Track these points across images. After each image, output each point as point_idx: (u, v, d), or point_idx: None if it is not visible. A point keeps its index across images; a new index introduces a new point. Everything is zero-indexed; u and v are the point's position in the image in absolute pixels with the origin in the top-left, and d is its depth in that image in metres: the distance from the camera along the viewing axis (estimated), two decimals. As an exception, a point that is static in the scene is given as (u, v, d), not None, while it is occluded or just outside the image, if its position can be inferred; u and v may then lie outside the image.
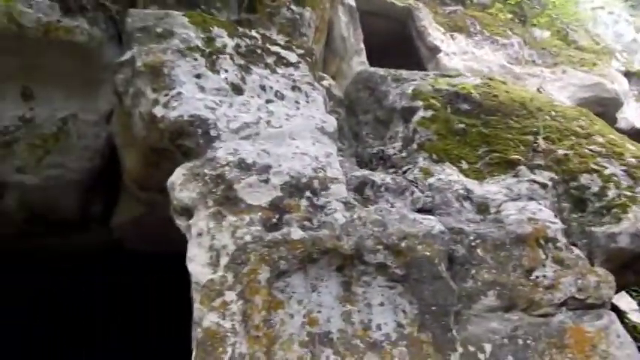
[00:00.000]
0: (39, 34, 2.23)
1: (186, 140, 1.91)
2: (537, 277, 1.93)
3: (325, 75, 3.36)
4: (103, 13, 2.45)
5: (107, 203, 3.23)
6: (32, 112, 2.44)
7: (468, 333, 1.73)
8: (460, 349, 1.68)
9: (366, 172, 2.17)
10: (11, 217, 2.95)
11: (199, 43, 2.23)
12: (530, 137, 2.66)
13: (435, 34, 4.74)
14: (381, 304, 1.74)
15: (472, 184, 2.25)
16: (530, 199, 2.22)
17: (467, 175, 2.34)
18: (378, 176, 2.09)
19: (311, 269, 1.69)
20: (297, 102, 2.24)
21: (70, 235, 3.45)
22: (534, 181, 2.33)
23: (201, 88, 2.05)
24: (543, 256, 1.98)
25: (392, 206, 1.94)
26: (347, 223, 1.74)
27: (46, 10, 2.23)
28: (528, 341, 1.79)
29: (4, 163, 2.53)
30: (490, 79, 3.37)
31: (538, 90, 4.45)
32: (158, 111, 1.97)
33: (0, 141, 2.44)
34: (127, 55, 2.21)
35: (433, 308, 1.71)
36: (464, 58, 4.97)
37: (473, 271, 1.84)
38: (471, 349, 1.70)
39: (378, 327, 1.71)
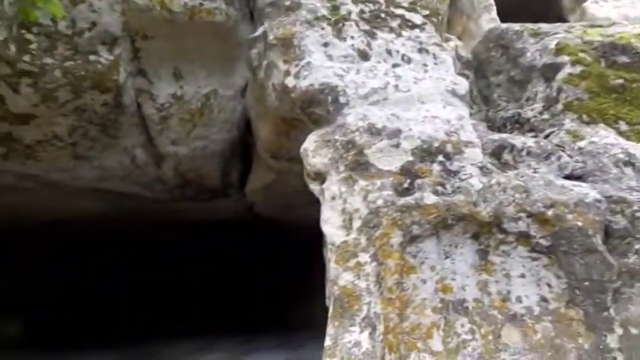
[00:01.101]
0: (185, 17, 2.48)
1: (317, 108, 1.97)
2: None
3: (451, 36, 3.15)
4: (237, -7, 2.62)
5: (242, 172, 3.54)
6: (182, 89, 2.74)
7: (629, 313, 1.53)
8: (619, 331, 1.50)
9: (503, 135, 2.01)
10: (168, 184, 3.42)
11: (325, 12, 2.25)
12: None
13: (581, -21, 4.11)
14: (522, 276, 1.62)
15: (634, 148, 1.94)
16: None
17: (627, 138, 2.02)
18: (518, 140, 1.91)
19: (444, 235, 1.64)
20: (424, 65, 2.15)
21: (213, 200, 3.87)
22: None
23: (329, 57, 2.08)
24: None
25: (535, 172, 1.77)
26: (484, 188, 1.64)
27: (190, -5, 2.46)
28: None
29: (161, 136, 2.91)
30: (657, 24, 2.82)
31: None
32: (290, 81, 2.06)
33: (158, 117, 2.80)
34: (259, 31, 2.34)
35: (585, 284, 1.54)
36: (616, 4, 4.25)
37: (637, 246, 1.60)
38: (634, 331, 1.51)
39: (518, 299, 1.60)
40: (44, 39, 2.18)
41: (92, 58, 2.32)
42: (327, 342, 1.56)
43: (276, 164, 2.99)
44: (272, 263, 7.15)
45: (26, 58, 2.16)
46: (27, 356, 4.23)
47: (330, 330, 1.58)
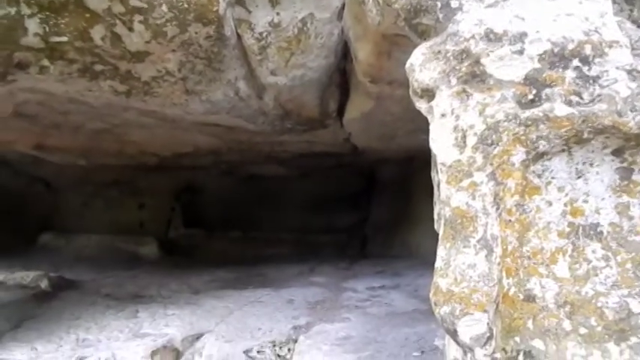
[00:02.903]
0: None
1: (424, 17, 1.78)
2: None
3: None
4: None
5: (340, 101, 3.48)
6: (279, 16, 2.69)
7: None
8: None
9: (659, 31, 1.64)
10: (269, 116, 3.51)
11: None
12: None
13: None
14: (675, 199, 1.38)
15: None
16: None
17: None
18: (680, 35, 1.55)
19: (577, 152, 1.43)
20: (554, -46, 1.79)
21: (312, 131, 3.91)
22: None
23: (437, -43, 1.84)
24: None
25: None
26: (633, 95, 1.38)
27: None
28: None
29: (261, 67, 2.93)
30: None
31: None
32: (392, -9, 1.87)
33: (257, 47, 2.81)
34: (357, -61, 2.14)
35: None
36: None
37: None
38: None
39: (668, 225, 1.38)
40: (149, -27, 2.25)
41: (193, -11, 2.35)
42: (439, 263, 1.51)
43: (375, 89, 2.87)
44: (367, 196, 7.22)
45: (135, -6, 2.25)
46: (160, 273, 4.91)
47: (441, 252, 1.53)
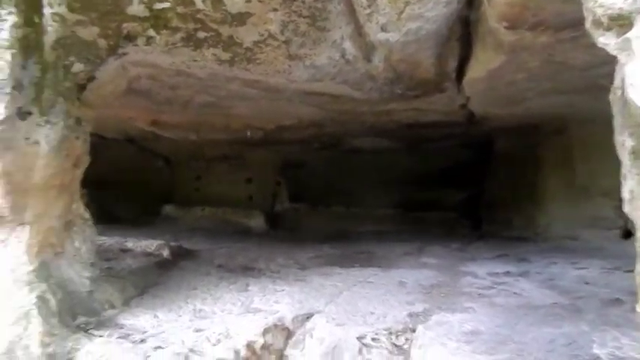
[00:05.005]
0: None
1: None
2: None
3: None
4: None
5: (461, 58, 3.00)
6: (391, -43, 2.31)
7: None
8: None
9: None
10: (377, 80, 3.17)
11: None
12: None
13: None
14: None
15: None
16: None
17: None
18: None
19: None
20: None
21: (424, 97, 3.49)
22: None
23: None
24: None
25: None
26: None
27: None
28: None
29: (370, 21, 2.58)
30: None
31: None
32: None
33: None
34: None
35: None
36: None
37: None
38: None
39: None
40: None
41: None
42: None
43: (511, 37, 2.35)
44: (480, 169, 6.52)
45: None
46: (267, 246, 4.96)
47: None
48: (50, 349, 2.08)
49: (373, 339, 2.25)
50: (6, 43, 2.09)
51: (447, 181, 6.85)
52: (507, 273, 3.50)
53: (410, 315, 2.52)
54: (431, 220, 6.59)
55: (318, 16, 2.51)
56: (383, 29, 2.63)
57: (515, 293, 2.93)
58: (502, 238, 5.30)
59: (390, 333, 2.30)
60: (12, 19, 2.11)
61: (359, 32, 2.69)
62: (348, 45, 2.76)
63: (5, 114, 2.07)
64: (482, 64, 2.90)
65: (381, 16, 2.54)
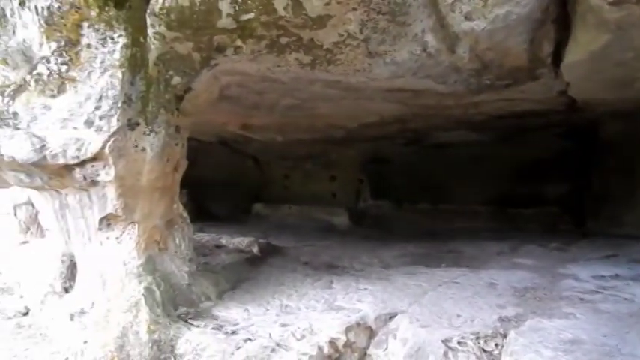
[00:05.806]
0: None
1: None
2: None
3: None
4: None
5: (558, 41, 2.74)
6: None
7: None
8: None
9: None
10: (462, 72, 3.02)
11: None
12: None
13: None
14: None
15: None
16: None
17: None
18: None
19: None
20: None
21: (516, 86, 3.26)
22: None
23: None
24: None
25: None
26: None
27: None
28: None
29: (453, 11, 2.47)
30: None
31: None
32: None
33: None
34: None
35: None
36: None
37: None
38: None
39: None
40: None
41: None
42: None
43: (616, 14, 2.10)
44: (582, 161, 5.89)
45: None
46: (351, 243, 5.00)
47: None
48: (156, 336, 2.33)
49: (459, 342, 2.17)
50: (117, 63, 2.38)
51: (545, 173, 6.30)
52: (616, 276, 3.14)
53: (500, 319, 2.39)
54: (527, 217, 6.12)
55: (397, 12, 2.46)
56: (467, 18, 2.50)
57: (625, 299, 2.62)
58: (610, 237, 4.75)
59: (478, 337, 2.20)
60: (122, 40, 2.39)
61: (441, 24, 2.59)
62: (429, 38, 2.67)
63: (118, 125, 2.35)
64: (583, 46, 2.62)
65: (465, 4, 2.42)
